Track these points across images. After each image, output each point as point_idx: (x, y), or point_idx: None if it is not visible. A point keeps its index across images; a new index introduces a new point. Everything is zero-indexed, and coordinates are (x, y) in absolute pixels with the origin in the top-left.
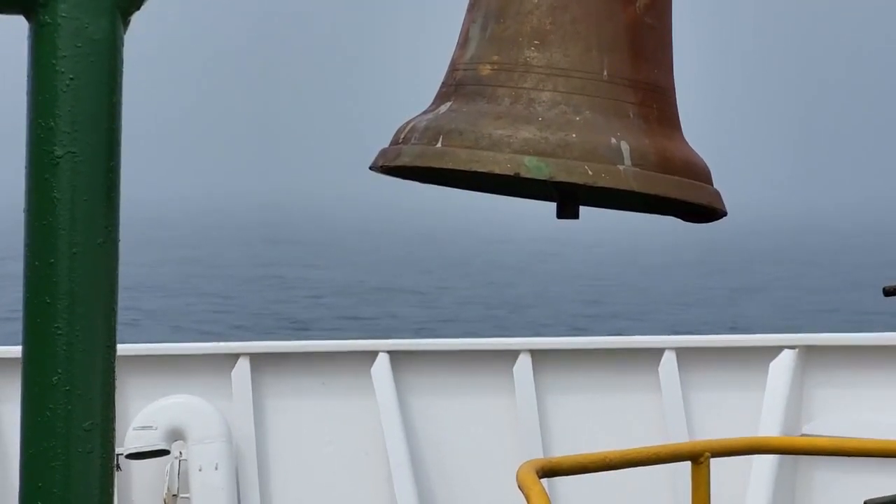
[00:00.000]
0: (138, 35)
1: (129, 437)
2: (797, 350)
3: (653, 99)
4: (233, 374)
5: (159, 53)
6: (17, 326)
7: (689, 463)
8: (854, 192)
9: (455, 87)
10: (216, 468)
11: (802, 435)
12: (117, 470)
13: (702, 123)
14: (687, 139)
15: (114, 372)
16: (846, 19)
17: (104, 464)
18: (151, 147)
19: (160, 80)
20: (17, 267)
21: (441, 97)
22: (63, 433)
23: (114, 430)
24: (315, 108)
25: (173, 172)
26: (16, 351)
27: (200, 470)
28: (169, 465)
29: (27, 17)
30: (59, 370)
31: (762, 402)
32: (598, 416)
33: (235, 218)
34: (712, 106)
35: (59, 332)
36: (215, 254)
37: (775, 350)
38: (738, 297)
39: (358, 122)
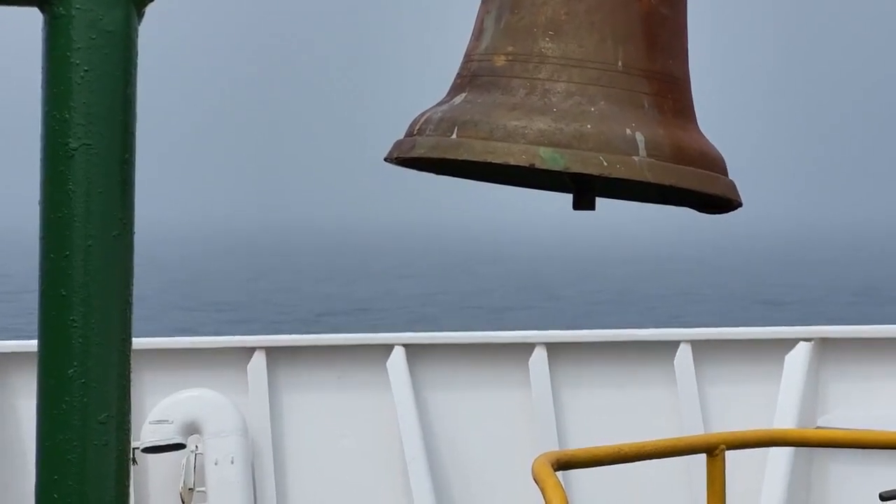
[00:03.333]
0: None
1: (145, 431)
2: (812, 342)
3: (668, 89)
4: (248, 367)
5: (166, 73)
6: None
7: (704, 455)
8: (870, 209)
9: (470, 78)
10: (232, 462)
11: (818, 427)
12: (133, 464)
13: (721, 137)
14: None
15: (129, 364)
16: (867, 40)
17: (120, 456)
18: (156, 168)
19: (166, 102)
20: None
21: (456, 88)
22: (79, 425)
23: (129, 422)
24: (318, 120)
25: (178, 192)
26: (32, 345)
27: (216, 464)
28: (185, 458)
29: (41, 9)
30: (75, 363)
31: (777, 395)
32: (614, 408)
33: (242, 234)
34: (732, 120)
35: (75, 324)
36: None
37: (791, 342)
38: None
39: (362, 130)
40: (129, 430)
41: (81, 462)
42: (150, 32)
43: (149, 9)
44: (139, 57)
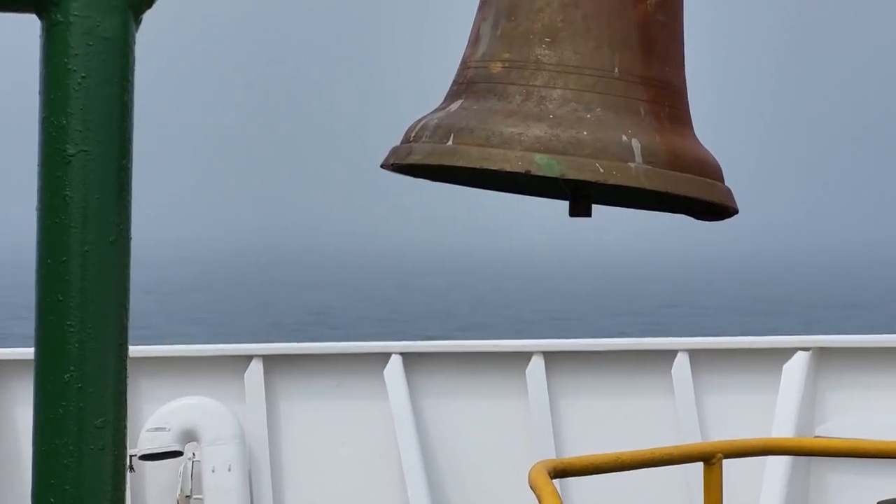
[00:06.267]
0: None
1: (143, 439)
2: (811, 352)
3: (664, 96)
4: (246, 375)
5: (167, 95)
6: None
7: (701, 464)
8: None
9: (466, 84)
10: (229, 469)
11: (816, 436)
12: (130, 471)
13: (721, 146)
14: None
15: (126, 369)
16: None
17: (116, 461)
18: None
19: (169, 125)
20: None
21: (452, 95)
22: (75, 430)
23: (125, 427)
24: (317, 137)
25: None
26: (29, 353)
27: (213, 471)
28: (182, 466)
29: (39, 16)
30: (72, 368)
31: (775, 404)
32: (611, 417)
33: (246, 255)
34: (733, 128)
35: (72, 329)
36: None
37: (789, 352)
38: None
39: (360, 144)
40: (125, 434)
41: (78, 467)
42: (154, 52)
43: (149, 21)
44: (136, 64)
